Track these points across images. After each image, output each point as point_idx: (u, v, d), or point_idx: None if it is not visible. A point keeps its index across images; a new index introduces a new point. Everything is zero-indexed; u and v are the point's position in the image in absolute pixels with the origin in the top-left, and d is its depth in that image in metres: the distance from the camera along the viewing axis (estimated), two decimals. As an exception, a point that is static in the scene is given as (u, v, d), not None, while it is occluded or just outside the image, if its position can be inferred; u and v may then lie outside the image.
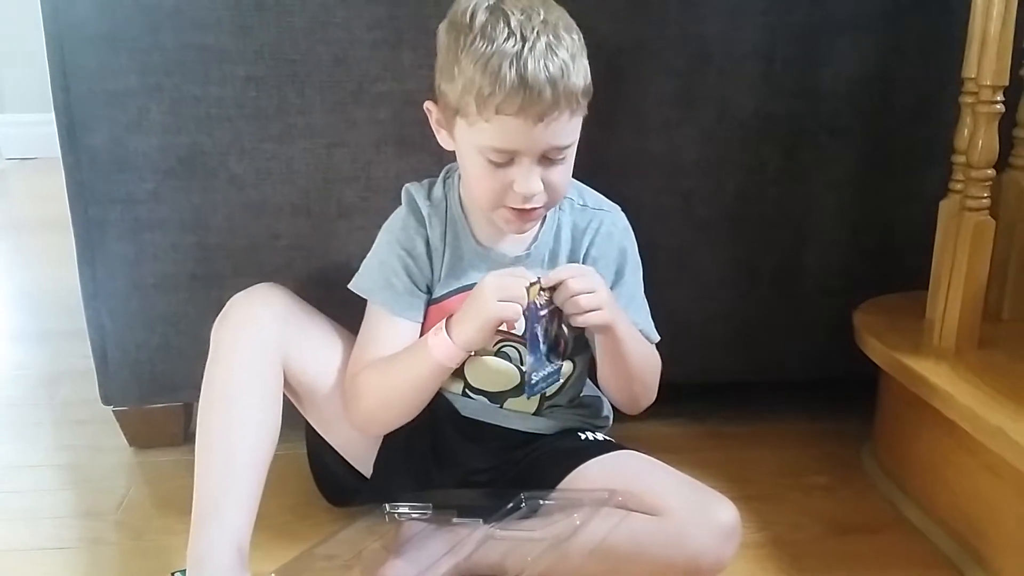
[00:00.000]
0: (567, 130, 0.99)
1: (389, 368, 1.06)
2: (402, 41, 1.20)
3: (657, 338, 1.14)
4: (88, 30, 1.16)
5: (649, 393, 1.13)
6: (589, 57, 1.00)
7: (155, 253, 1.25)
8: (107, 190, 1.21)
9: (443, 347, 1.02)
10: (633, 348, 1.07)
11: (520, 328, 1.03)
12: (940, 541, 1.18)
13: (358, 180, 1.25)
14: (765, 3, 1.27)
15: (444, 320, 1.03)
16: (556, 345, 1.04)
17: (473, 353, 1.08)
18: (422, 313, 1.10)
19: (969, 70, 1.16)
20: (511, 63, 0.93)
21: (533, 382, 1.03)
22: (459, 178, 1.10)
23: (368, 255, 1.13)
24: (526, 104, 0.94)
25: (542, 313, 1.00)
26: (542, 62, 0.94)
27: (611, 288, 1.10)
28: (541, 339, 1.01)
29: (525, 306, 0.98)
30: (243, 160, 1.22)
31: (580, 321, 1.00)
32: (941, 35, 1.27)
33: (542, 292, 0.99)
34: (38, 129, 2.54)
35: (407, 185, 1.12)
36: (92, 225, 1.23)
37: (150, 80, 1.18)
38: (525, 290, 0.98)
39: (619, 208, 1.15)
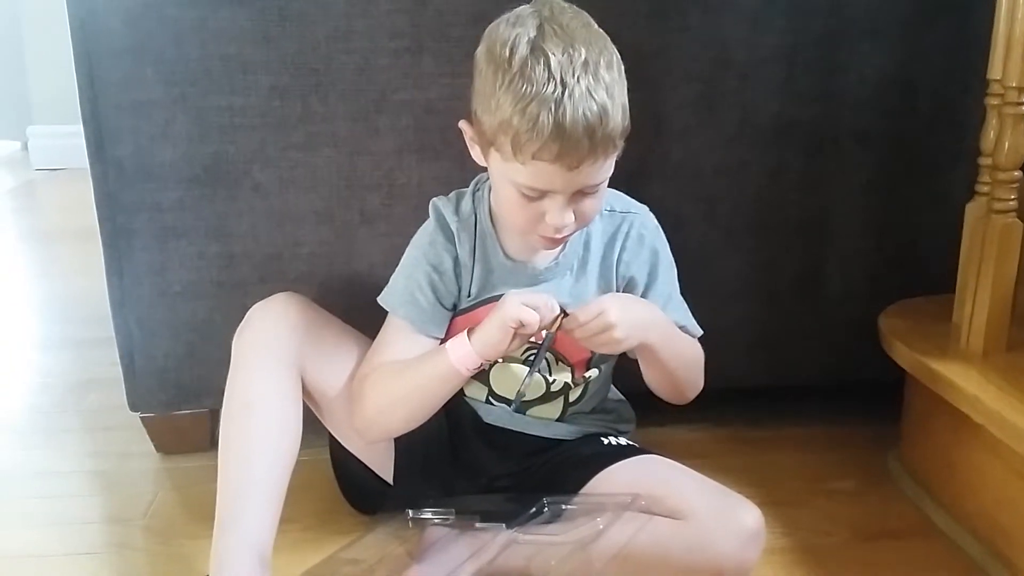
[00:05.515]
0: (602, 171, 0.98)
1: (402, 371, 1.06)
2: (423, 50, 1.21)
3: (699, 332, 1.14)
4: (114, 43, 1.18)
5: (695, 386, 1.14)
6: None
7: (181, 261, 1.26)
8: (134, 199, 1.23)
9: (460, 350, 1.02)
10: (672, 353, 1.07)
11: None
12: (968, 546, 1.17)
13: (380, 187, 1.26)
14: (786, 8, 1.26)
15: (467, 329, 1.03)
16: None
17: (501, 360, 1.09)
18: (444, 330, 1.10)
19: (994, 72, 1.15)
20: (550, 110, 0.91)
21: (524, 398, 1.05)
22: (489, 190, 1.09)
23: (396, 270, 1.12)
24: (563, 153, 0.93)
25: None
26: (581, 110, 0.91)
27: (646, 289, 1.11)
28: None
29: (542, 328, 0.98)
30: (267, 168, 1.23)
31: (601, 351, 1.01)
32: (963, 38, 1.27)
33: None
34: (67, 140, 2.59)
35: (434, 200, 1.11)
36: (119, 234, 1.24)
37: (175, 91, 1.20)
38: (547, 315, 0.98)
39: (647, 209, 1.14)
